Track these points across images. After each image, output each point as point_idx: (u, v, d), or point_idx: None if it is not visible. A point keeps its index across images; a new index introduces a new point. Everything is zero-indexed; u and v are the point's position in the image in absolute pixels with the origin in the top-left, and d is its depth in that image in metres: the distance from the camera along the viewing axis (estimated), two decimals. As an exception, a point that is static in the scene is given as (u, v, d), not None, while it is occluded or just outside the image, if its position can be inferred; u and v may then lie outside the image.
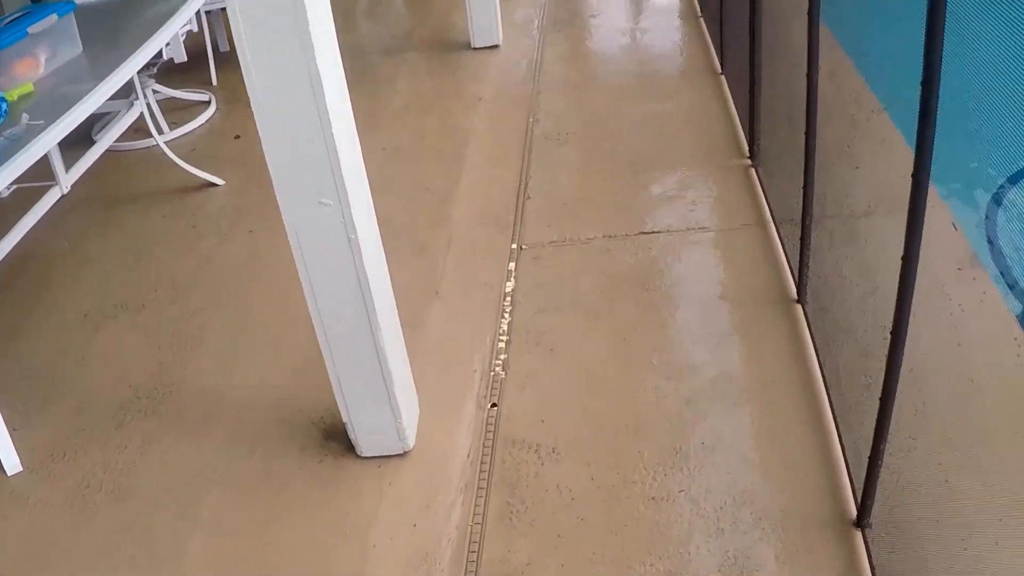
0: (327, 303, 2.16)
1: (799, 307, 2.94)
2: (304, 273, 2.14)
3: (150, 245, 3.76)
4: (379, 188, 3.91)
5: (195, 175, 4.16)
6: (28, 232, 3.33)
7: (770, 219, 3.40)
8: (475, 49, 5.32)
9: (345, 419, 2.43)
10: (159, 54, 4.41)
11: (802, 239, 2.85)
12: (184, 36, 4.81)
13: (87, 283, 3.53)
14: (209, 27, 5.40)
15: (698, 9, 5.53)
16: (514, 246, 3.45)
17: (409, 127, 4.47)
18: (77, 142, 3.65)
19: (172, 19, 3.60)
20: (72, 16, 3.35)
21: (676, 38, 5.22)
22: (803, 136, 2.66)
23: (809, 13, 2.41)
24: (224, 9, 5.74)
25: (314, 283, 2.14)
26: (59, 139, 2.82)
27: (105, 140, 3.79)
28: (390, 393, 2.31)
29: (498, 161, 4.05)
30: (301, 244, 2.10)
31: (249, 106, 2.03)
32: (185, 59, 4.39)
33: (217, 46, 5.93)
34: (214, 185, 4.19)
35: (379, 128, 4.50)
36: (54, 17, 3.19)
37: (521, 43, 5.42)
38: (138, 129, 4.93)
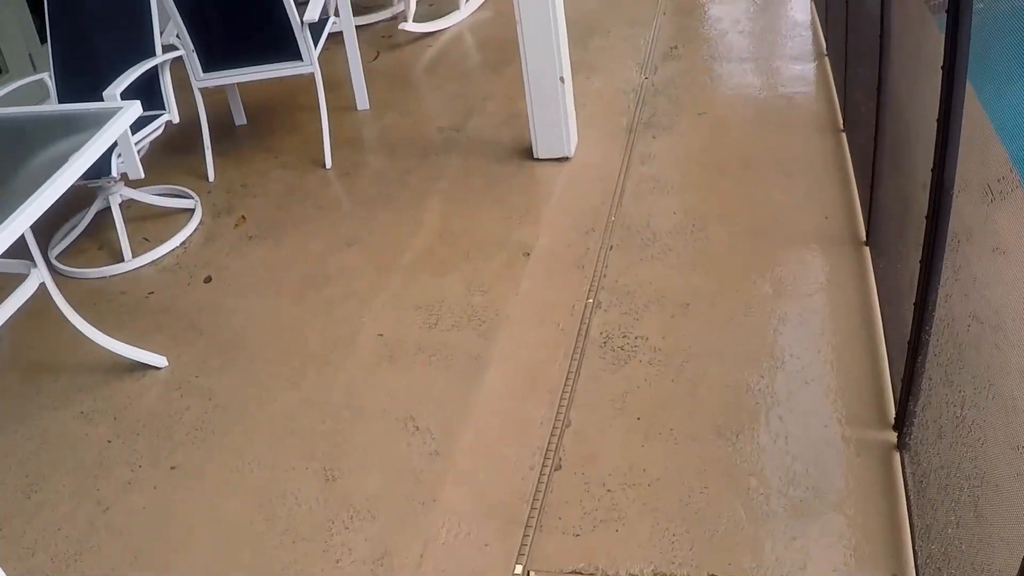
0: None
1: None
2: None
3: (47, 468, 2.94)
4: (353, 408, 2.98)
5: (126, 357, 3.29)
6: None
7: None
8: (537, 160, 4.26)
9: None
10: (107, 167, 3.61)
11: None
12: (143, 150, 3.99)
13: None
14: (203, 104, 4.55)
15: (840, 120, 4.31)
16: (518, 571, 2.42)
17: (422, 295, 3.48)
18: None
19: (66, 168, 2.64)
20: None
21: (813, 175, 4.01)
22: None
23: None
24: (237, 84, 4.90)
25: None
26: None
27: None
28: None
29: (530, 385, 3.02)
30: None
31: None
32: (142, 175, 3.58)
33: (233, 120, 5.10)
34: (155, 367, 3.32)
35: (384, 292, 3.53)
36: None
37: (600, 154, 4.33)
38: (102, 246, 4.18)
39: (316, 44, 4.50)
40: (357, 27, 6.25)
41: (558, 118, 4.13)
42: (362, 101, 5.09)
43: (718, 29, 5.76)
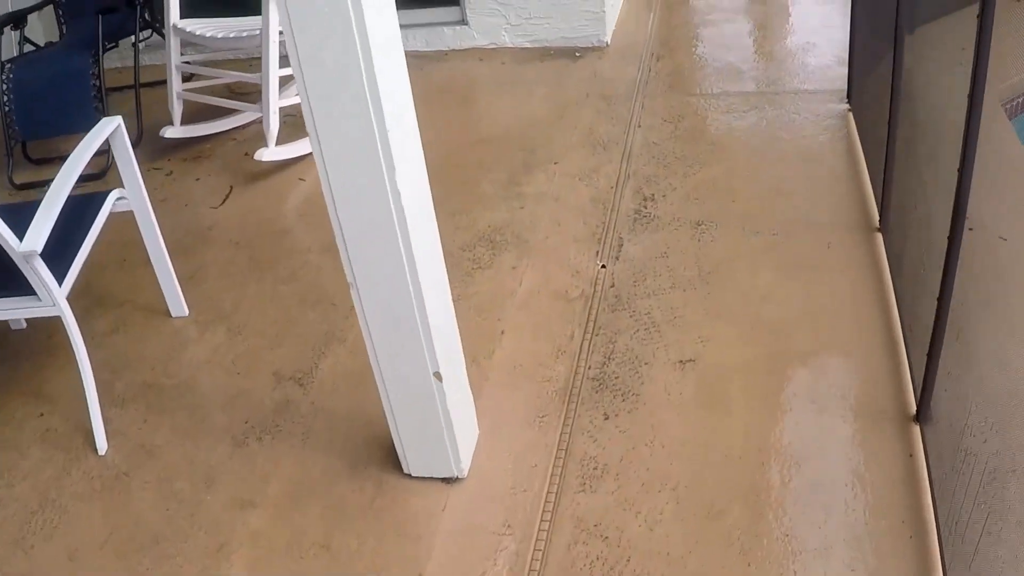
0: None
1: None
2: None
3: None
4: None
5: None
6: None
7: None
8: (410, 477, 2.71)
9: None
10: None
11: None
12: None
13: None
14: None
15: (913, 400, 2.70)
16: None
17: None
18: None
19: None
20: None
21: (867, 542, 2.44)
22: None
23: None
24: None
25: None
26: None
27: None
28: None
29: None
30: None
31: None
32: None
33: (7, 323, 3.58)
34: None
35: None
36: None
37: (513, 461, 2.76)
38: None
39: (68, 265, 2.96)
40: (214, 135, 4.71)
41: (436, 428, 2.56)
42: (177, 306, 3.53)
43: (720, 164, 4.13)
